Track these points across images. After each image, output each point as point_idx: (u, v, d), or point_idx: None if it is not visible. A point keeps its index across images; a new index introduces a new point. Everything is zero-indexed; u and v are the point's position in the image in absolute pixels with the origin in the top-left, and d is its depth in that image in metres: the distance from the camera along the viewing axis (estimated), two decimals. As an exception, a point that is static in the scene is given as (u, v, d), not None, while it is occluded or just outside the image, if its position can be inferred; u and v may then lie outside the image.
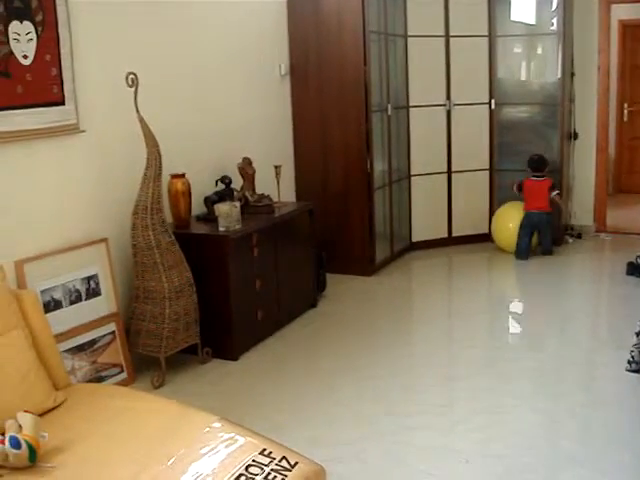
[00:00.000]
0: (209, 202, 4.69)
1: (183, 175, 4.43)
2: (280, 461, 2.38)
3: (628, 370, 3.99)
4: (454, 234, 6.88)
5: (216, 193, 4.77)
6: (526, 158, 6.55)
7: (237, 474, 2.28)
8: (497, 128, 6.83)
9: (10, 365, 2.73)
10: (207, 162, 4.96)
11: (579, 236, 7.03)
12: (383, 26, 6.10)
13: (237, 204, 4.48)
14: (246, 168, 4.93)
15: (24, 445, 2.32)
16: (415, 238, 6.77)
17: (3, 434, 2.39)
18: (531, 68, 7.11)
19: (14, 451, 2.31)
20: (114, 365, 4.02)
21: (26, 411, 2.49)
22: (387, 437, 3.41)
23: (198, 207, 4.72)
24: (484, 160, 6.85)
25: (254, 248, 4.53)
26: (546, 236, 6.44)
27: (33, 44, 3.60)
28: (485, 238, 6.80)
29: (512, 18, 6.79)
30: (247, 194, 4.90)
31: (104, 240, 4.05)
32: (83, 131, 3.91)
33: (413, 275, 6.33)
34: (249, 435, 2.55)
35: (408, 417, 3.61)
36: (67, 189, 3.87)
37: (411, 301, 5.77)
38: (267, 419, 3.56)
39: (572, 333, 4.76)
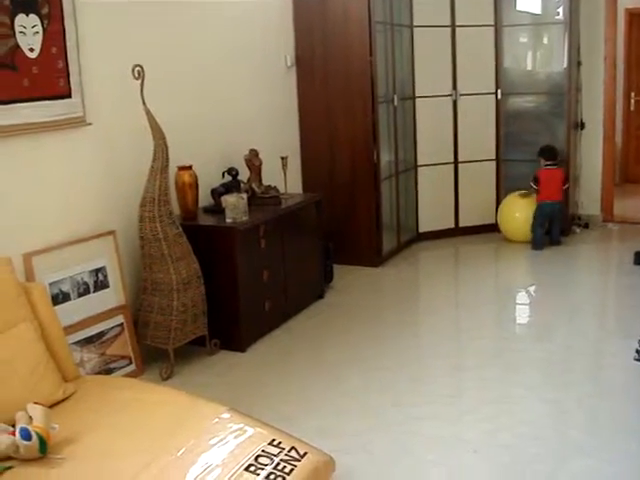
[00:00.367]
0: (216, 194, 4.70)
1: (190, 167, 4.44)
2: (289, 451, 2.39)
3: (636, 359, 4.00)
4: (461, 224, 6.88)
5: (223, 185, 4.77)
6: (533, 148, 6.53)
7: (247, 464, 2.29)
8: (503, 118, 6.81)
9: (20, 358, 2.75)
10: (214, 154, 4.96)
11: (586, 226, 7.02)
12: (389, 16, 6.08)
13: (244, 196, 4.49)
14: (253, 160, 4.93)
15: (34, 437, 2.34)
16: (422, 229, 6.76)
17: (14, 426, 2.41)
18: (537, 58, 7.08)
19: (25, 442, 2.33)
20: (123, 357, 4.04)
21: (36, 403, 2.51)
22: (394, 427, 3.42)
23: (205, 199, 4.73)
24: (491, 150, 6.83)
25: (261, 240, 4.53)
26: (556, 227, 6.43)
27: (39, 37, 3.60)
28: (492, 228, 6.79)
29: (518, 8, 6.77)
30: (254, 186, 4.90)
31: (112, 232, 4.06)
32: (90, 124, 3.91)
33: (420, 266, 6.32)
34: (258, 426, 2.56)
35: (415, 407, 3.62)
36: (74, 182, 3.88)
37: (418, 292, 5.76)
38: (275, 410, 3.57)
39: (580, 323, 4.75)
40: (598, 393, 3.70)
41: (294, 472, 2.30)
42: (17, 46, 3.49)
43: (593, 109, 7.03)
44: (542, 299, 5.37)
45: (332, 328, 4.78)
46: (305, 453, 2.41)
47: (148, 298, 4.08)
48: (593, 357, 4.25)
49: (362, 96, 5.79)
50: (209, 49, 4.94)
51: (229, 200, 4.39)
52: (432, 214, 6.76)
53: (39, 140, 3.64)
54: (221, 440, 2.44)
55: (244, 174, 4.94)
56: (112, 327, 4.00)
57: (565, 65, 6.56)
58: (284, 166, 5.12)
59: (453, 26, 6.56)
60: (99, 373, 3.84)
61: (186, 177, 4.40)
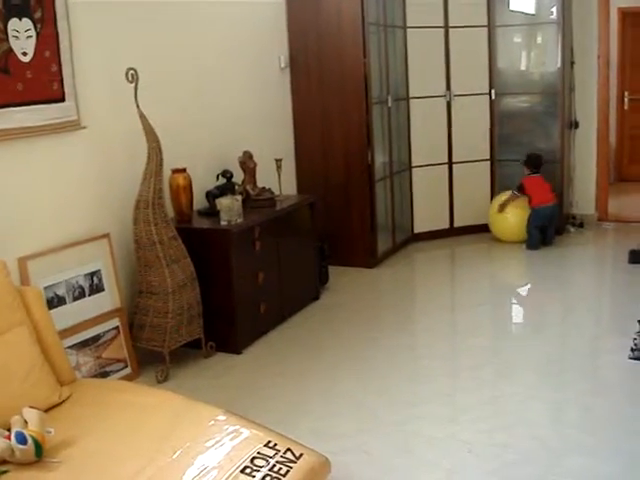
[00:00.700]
0: (210, 196, 4.70)
1: (184, 170, 4.44)
2: (285, 453, 2.40)
3: (631, 358, 4.01)
4: (456, 225, 6.89)
5: (217, 187, 4.77)
6: (527, 148, 6.56)
7: (242, 466, 2.29)
8: (497, 118, 6.82)
9: (15, 361, 2.75)
10: (208, 156, 4.96)
11: (581, 225, 7.02)
12: (382, 17, 6.09)
13: (238, 198, 4.49)
14: (247, 162, 4.94)
15: (30, 440, 2.34)
16: (417, 229, 6.77)
17: (9, 430, 2.40)
18: (531, 58, 7.09)
19: (20, 446, 2.33)
20: (118, 360, 4.03)
21: (31, 407, 2.50)
22: (391, 428, 3.42)
23: (200, 202, 4.72)
24: (485, 150, 6.84)
25: (256, 242, 4.53)
26: (551, 228, 6.44)
27: (32, 41, 3.60)
28: (487, 228, 6.78)
29: (511, 8, 6.78)
30: (248, 188, 4.90)
31: (106, 236, 4.06)
32: (84, 127, 3.91)
33: (415, 266, 6.33)
34: (254, 427, 2.56)
35: (412, 408, 3.62)
36: (69, 185, 3.87)
37: (414, 292, 5.77)
38: (271, 412, 3.57)
39: (576, 322, 4.76)
40: (594, 392, 3.71)
41: (290, 474, 2.31)
42: (10, 50, 3.49)
43: (587, 109, 7.04)
44: (537, 298, 5.38)
45: (328, 329, 4.78)
46: (301, 454, 2.42)
47: (143, 301, 4.08)
48: (588, 356, 4.26)
49: (356, 97, 5.80)
50: (203, 51, 4.94)
51: (224, 202, 4.39)
52: (427, 215, 6.76)
53: (33, 144, 3.64)
54: (217, 442, 2.44)
55: (238, 176, 4.94)
56: (107, 330, 4.00)
57: (559, 65, 6.57)
58: (278, 168, 5.12)
59: (446, 27, 6.56)
60: (95, 376, 3.84)
61: (180, 180, 4.41)
